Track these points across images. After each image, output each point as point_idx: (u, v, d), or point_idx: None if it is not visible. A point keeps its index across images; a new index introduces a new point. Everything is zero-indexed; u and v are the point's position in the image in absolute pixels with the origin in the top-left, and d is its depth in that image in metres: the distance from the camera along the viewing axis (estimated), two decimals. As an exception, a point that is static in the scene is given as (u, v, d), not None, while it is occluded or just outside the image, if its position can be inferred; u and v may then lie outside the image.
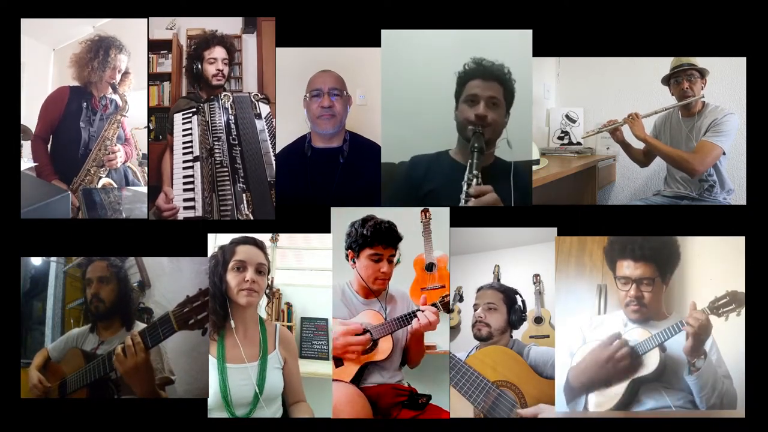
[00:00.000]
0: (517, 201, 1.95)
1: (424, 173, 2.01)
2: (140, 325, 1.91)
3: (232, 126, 2.11)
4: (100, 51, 2.08)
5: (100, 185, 2.10)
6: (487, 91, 1.93)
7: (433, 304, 1.95)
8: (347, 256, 2.01)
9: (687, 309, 1.92)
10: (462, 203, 1.89)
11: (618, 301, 1.97)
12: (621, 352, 1.92)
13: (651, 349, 1.91)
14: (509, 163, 1.99)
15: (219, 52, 2.11)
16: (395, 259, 2.02)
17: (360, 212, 2.00)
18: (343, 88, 2.08)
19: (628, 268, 1.94)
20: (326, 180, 2.07)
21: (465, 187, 1.88)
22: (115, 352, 1.77)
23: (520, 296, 2.03)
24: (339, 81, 2.08)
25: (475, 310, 2.03)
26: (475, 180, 1.87)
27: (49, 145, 2.10)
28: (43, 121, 2.07)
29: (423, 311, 1.94)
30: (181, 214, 2.03)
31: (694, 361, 1.88)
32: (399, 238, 1.99)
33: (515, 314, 2.01)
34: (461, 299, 2.05)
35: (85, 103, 2.12)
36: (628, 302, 1.94)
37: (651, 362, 1.91)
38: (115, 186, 2.11)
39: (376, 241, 1.95)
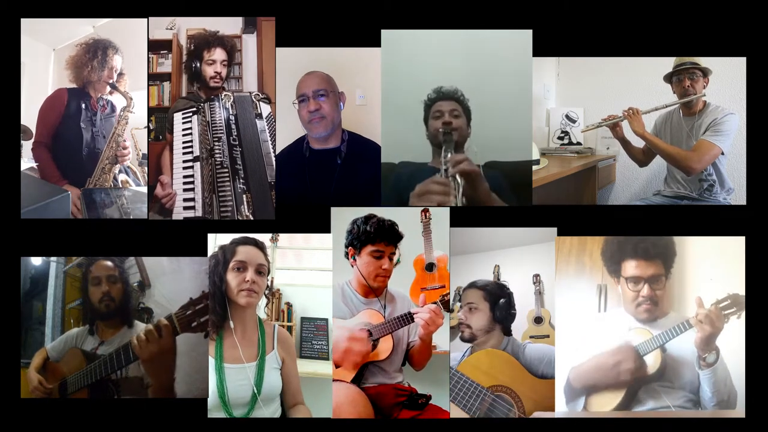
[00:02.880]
0: (498, 199, 1.98)
1: (408, 178, 2.04)
2: (140, 325, 1.91)
3: (233, 126, 2.11)
4: (98, 51, 2.09)
5: (120, 183, 2.10)
6: (449, 106, 2.08)
7: (434, 303, 1.94)
8: (347, 253, 2.01)
9: (687, 308, 1.93)
10: (441, 174, 1.92)
11: (618, 300, 1.97)
12: (627, 363, 1.92)
13: (653, 350, 1.91)
14: (478, 167, 2.01)
15: (219, 54, 2.11)
16: (395, 259, 2.02)
17: (360, 212, 2.00)
18: (330, 88, 2.08)
19: (638, 267, 1.94)
20: (325, 181, 2.07)
21: (442, 160, 1.94)
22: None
23: (507, 289, 2.02)
24: (324, 81, 2.07)
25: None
26: (449, 153, 1.95)
27: (51, 150, 2.10)
28: (42, 126, 2.07)
29: (420, 311, 1.93)
30: (182, 214, 2.03)
31: (705, 355, 1.87)
32: (400, 237, 2.00)
33: (500, 310, 2.00)
34: (461, 299, 2.05)
35: (84, 104, 2.12)
36: (640, 302, 1.93)
37: (652, 363, 1.91)
38: (132, 184, 2.12)
39: (379, 237, 1.96)
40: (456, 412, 1.95)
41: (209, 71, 2.12)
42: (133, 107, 2.13)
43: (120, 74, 2.13)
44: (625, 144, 2.26)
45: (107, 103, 2.15)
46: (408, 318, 1.96)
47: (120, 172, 2.13)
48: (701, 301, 1.90)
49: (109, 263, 1.96)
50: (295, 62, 2.06)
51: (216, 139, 2.10)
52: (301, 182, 2.07)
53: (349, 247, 2.00)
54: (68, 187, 2.07)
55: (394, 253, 2.01)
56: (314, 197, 2.05)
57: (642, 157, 2.27)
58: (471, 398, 1.95)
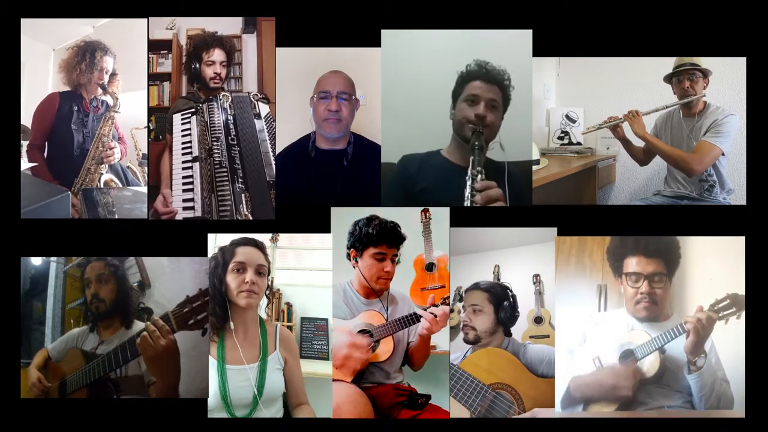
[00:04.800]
0: (512, 201, 1.94)
1: (416, 172, 2.01)
2: (140, 325, 1.91)
3: (231, 126, 2.11)
4: (86, 54, 2.10)
5: (102, 183, 2.10)
6: (488, 93, 1.95)
7: (442, 301, 1.94)
8: (348, 255, 2.01)
9: (687, 310, 1.93)
10: (467, 200, 1.88)
11: (618, 300, 1.97)
12: (627, 383, 1.91)
13: (651, 352, 1.91)
14: (502, 163, 1.97)
15: (218, 55, 2.11)
16: (396, 259, 2.01)
17: (360, 212, 2.00)
18: (352, 92, 2.07)
19: (639, 264, 1.94)
20: (330, 181, 2.06)
21: (470, 182, 1.87)
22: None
23: (510, 291, 2.01)
24: (348, 84, 2.07)
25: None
26: (479, 176, 1.87)
27: (45, 152, 2.10)
28: (36, 129, 2.08)
29: (427, 311, 1.92)
30: (181, 215, 2.03)
31: (695, 360, 1.88)
32: (403, 239, 1.99)
33: (504, 312, 1.99)
34: (461, 299, 2.04)
35: (76, 106, 2.12)
36: (639, 299, 1.93)
37: (651, 366, 1.91)
38: (119, 184, 2.12)
39: (381, 240, 1.95)
40: (457, 409, 1.95)
41: (209, 72, 2.12)
42: (118, 107, 2.13)
43: (112, 75, 2.14)
44: (626, 144, 2.26)
45: (101, 103, 2.15)
46: (414, 318, 1.95)
47: (106, 172, 2.13)
48: (702, 308, 1.89)
49: (100, 263, 1.96)
50: (296, 62, 2.06)
51: (214, 139, 2.10)
52: (305, 181, 2.06)
53: (351, 249, 2.00)
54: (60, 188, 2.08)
55: (396, 255, 2.00)
56: (318, 197, 2.04)
57: (643, 157, 2.27)
58: (472, 395, 1.95)
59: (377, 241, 1.95)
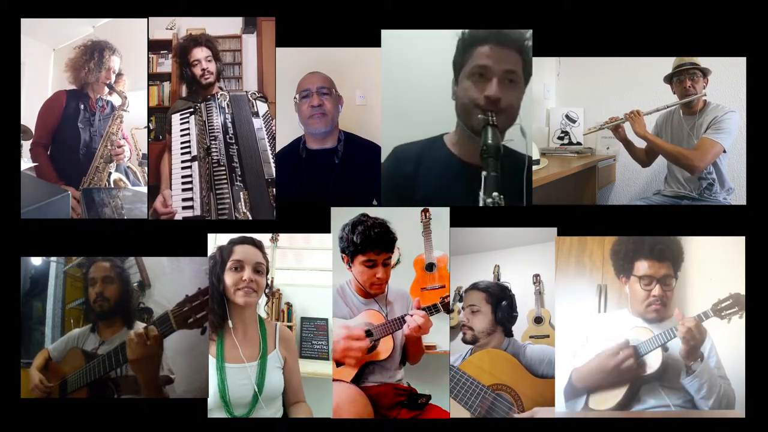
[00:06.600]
0: (528, 201, 1.70)
1: (414, 169, 1.77)
2: (140, 325, 1.91)
3: (229, 125, 2.11)
4: (95, 53, 2.11)
5: (111, 181, 2.11)
6: (503, 64, 1.47)
7: (425, 308, 1.93)
8: (342, 259, 2.00)
9: (688, 309, 1.93)
10: (481, 199, 1.51)
11: (619, 300, 1.97)
12: (628, 363, 1.91)
13: (653, 349, 1.91)
14: (523, 156, 1.58)
15: (199, 53, 2.13)
16: (395, 260, 2.01)
17: (361, 212, 1.99)
18: (332, 87, 2.08)
19: (651, 267, 1.93)
20: (322, 181, 2.06)
21: (482, 191, 1.37)
22: (128, 337, 1.77)
23: (509, 291, 2.00)
24: (327, 80, 2.08)
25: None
26: (495, 192, 1.33)
27: (49, 151, 2.11)
28: (41, 127, 2.08)
29: (411, 316, 1.91)
30: (180, 214, 2.03)
31: (690, 364, 1.88)
32: (393, 240, 1.95)
33: (502, 312, 1.98)
34: (461, 299, 2.04)
35: (82, 105, 2.13)
36: (650, 302, 1.93)
37: (653, 362, 1.91)
38: (127, 182, 2.12)
39: (368, 247, 1.91)
40: (457, 410, 1.95)
41: (197, 71, 2.14)
42: (127, 106, 2.14)
43: (119, 74, 2.14)
44: (628, 145, 2.26)
45: (107, 103, 2.15)
46: (399, 323, 1.94)
47: (115, 170, 2.13)
48: (681, 314, 1.90)
49: (107, 264, 1.96)
50: (295, 62, 2.06)
51: (212, 138, 2.10)
52: (298, 182, 2.07)
53: (343, 255, 1.97)
54: (65, 187, 2.07)
55: (390, 258, 1.96)
56: (311, 197, 2.05)
57: (644, 158, 2.28)
58: (472, 396, 1.95)
59: (363, 248, 1.91)
